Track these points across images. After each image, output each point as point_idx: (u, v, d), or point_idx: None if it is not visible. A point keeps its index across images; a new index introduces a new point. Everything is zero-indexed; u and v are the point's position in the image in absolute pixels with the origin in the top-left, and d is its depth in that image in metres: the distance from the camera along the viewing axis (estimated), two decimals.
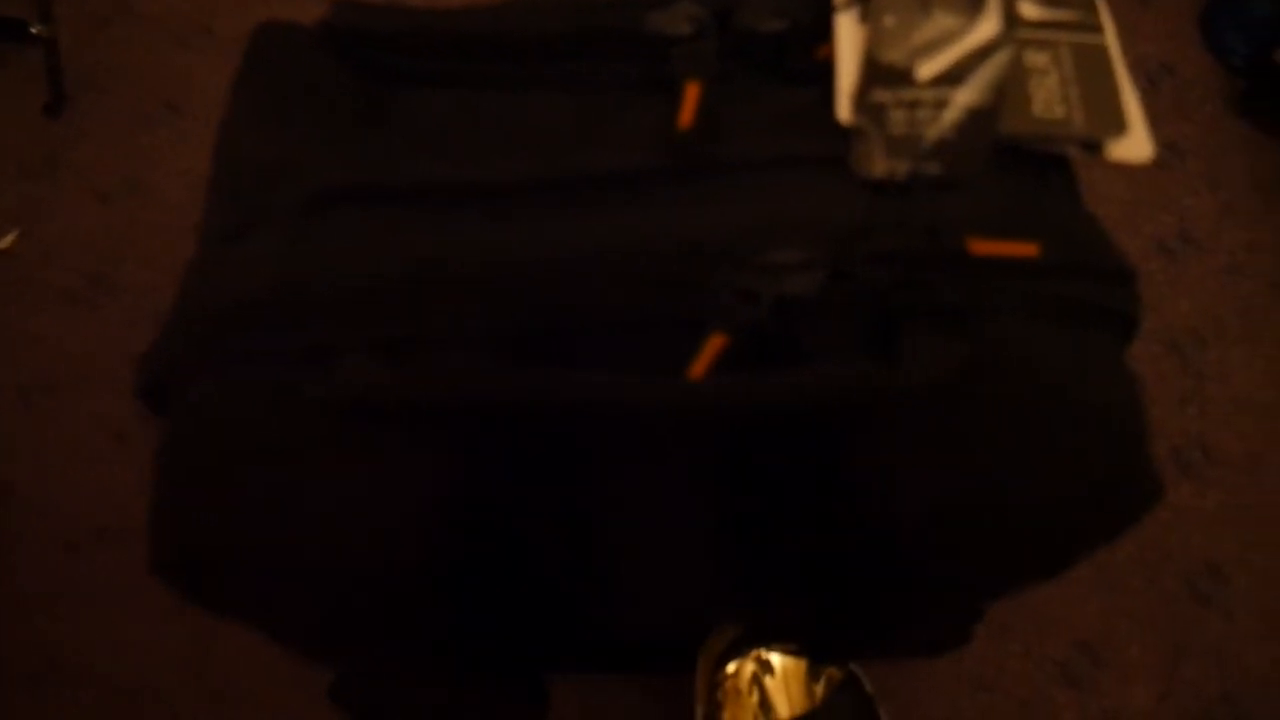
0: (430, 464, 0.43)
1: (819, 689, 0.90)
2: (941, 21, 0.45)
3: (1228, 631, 1.04)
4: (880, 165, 0.43)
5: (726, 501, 0.45)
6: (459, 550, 0.45)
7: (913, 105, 0.43)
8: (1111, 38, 0.47)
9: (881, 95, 0.44)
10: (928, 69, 0.44)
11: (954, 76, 0.44)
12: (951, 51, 0.45)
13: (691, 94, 0.46)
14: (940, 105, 0.44)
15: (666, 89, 0.48)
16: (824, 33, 0.48)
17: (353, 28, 0.51)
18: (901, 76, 0.44)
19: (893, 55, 0.44)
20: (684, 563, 0.47)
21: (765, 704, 0.85)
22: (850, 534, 0.45)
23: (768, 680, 0.90)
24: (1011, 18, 0.45)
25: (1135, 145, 0.46)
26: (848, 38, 0.47)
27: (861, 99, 0.44)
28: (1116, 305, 0.45)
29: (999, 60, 0.44)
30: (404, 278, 0.44)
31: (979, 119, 0.43)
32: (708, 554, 0.46)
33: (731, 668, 0.91)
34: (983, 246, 0.42)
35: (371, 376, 0.41)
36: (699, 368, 0.42)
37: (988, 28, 0.45)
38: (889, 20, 0.46)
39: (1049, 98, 0.46)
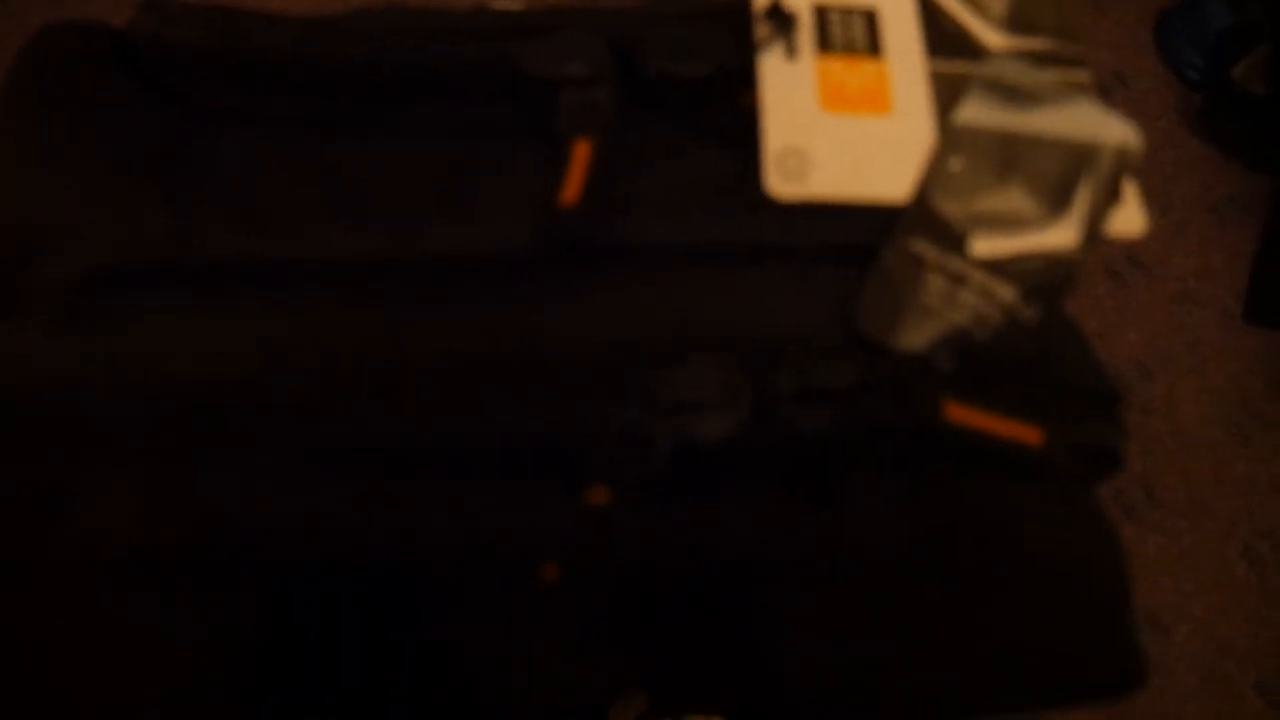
0: (221, 623, 0.33)
1: None
2: (1017, 198, 0.36)
3: (1165, 687, 0.98)
4: (890, 327, 0.34)
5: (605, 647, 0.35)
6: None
7: (957, 280, 0.34)
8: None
9: (925, 250, 0.35)
10: (985, 246, 0.35)
11: (1009, 270, 0.35)
12: (1018, 240, 0.35)
13: (579, 158, 0.36)
14: (985, 294, 0.34)
15: (556, 139, 0.37)
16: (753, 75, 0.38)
17: (158, 39, 0.39)
18: (954, 240, 0.35)
19: (951, 209, 0.35)
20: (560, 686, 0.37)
21: None
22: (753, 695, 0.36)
23: None
24: (1092, 237, 0.36)
25: (1128, 218, 0.37)
26: (775, 84, 0.37)
27: (899, 242, 0.34)
28: (1103, 444, 0.36)
29: (1062, 275, 0.35)
30: (199, 386, 0.33)
31: (1014, 330, 0.34)
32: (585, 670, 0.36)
33: None
34: (966, 417, 0.33)
35: (129, 525, 0.30)
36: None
37: (1067, 234, 0.36)
38: (956, 163, 0.36)
39: None
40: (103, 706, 0.33)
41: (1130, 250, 1.17)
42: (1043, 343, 0.36)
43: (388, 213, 0.37)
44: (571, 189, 0.36)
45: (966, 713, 0.39)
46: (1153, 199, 1.17)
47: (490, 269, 0.36)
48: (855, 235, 0.37)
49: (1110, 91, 1.19)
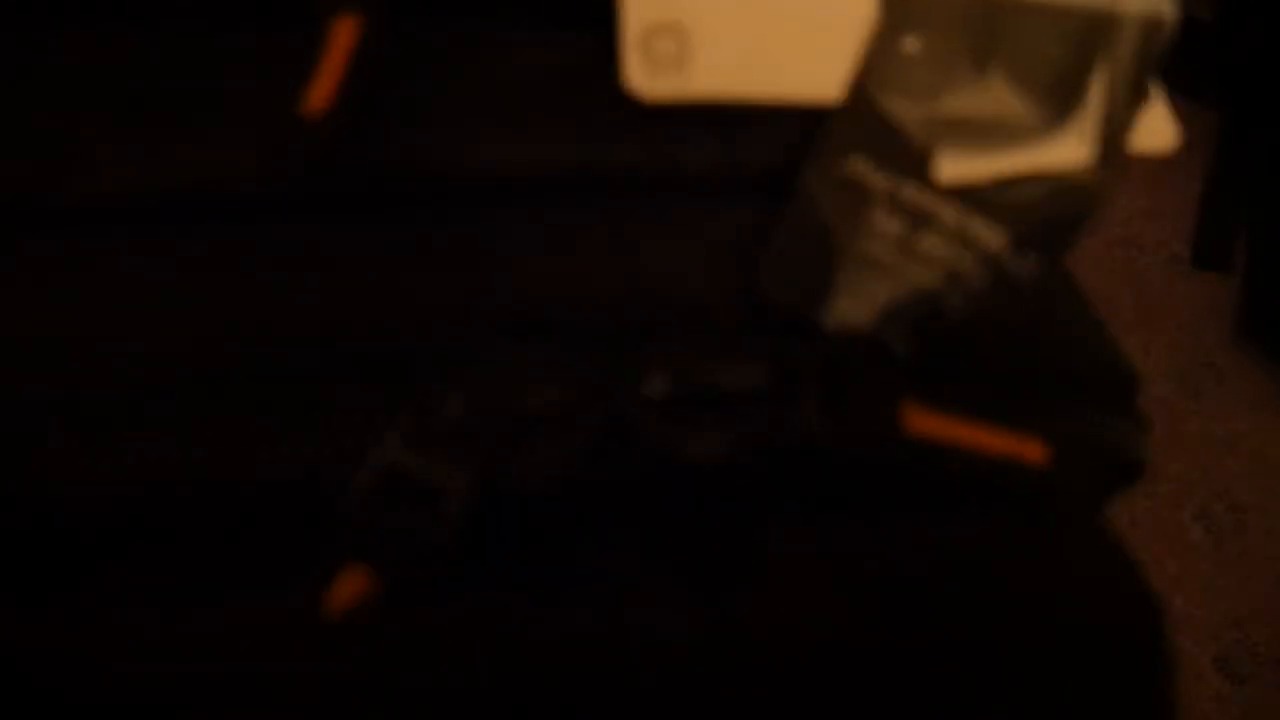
0: None
1: None
2: (1002, 95, 0.23)
3: None
4: (813, 291, 0.21)
5: None
6: None
7: (917, 218, 0.21)
8: None
9: (867, 174, 0.22)
10: (957, 166, 0.22)
11: (993, 203, 0.22)
12: (1003, 157, 0.22)
13: (338, 45, 0.23)
14: (958, 241, 0.22)
15: (309, 21, 0.24)
16: None
17: None
18: (911, 158, 0.22)
19: (906, 112, 0.22)
20: None
21: None
22: None
23: None
24: (1114, 153, 0.23)
25: (1156, 128, 0.25)
26: None
27: (828, 163, 0.22)
28: (1127, 453, 0.25)
29: (1071, 210, 0.22)
30: None
31: (1004, 292, 0.22)
32: None
33: None
34: (934, 427, 0.21)
35: None
36: (335, 605, 0.20)
37: (1075, 148, 0.23)
38: (911, 42, 0.23)
39: None
40: None
41: None
42: (1043, 312, 0.24)
43: (41, 129, 0.24)
44: (322, 89, 0.23)
45: None
46: None
47: (193, 212, 0.23)
48: (762, 157, 0.24)
49: None
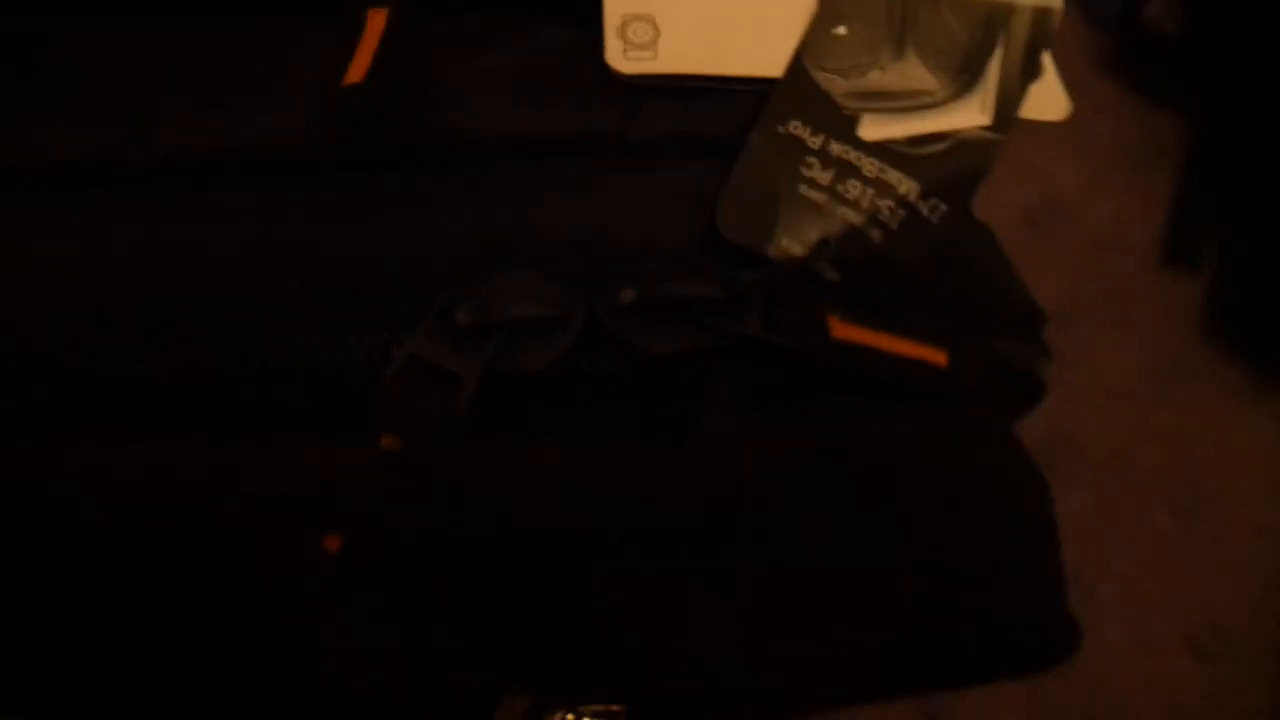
0: None
1: None
2: (914, 72, 0.28)
3: (1092, 648, 0.94)
4: (758, 228, 0.27)
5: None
6: None
7: (844, 169, 0.26)
8: None
9: (803, 133, 0.27)
10: (878, 128, 0.27)
11: (905, 158, 0.28)
12: (916, 121, 0.28)
13: (372, 29, 0.28)
14: (878, 188, 0.27)
15: (348, 10, 0.30)
16: None
17: None
18: (839, 121, 0.27)
19: (836, 85, 0.27)
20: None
21: None
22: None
23: None
24: (1007, 118, 0.29)
25: (1048, 98, 0.31)
26: None
27: (768, 124, 0.27)
28: (1023, 367, 0.30)
29: (972, 163, 0.28)
30: None
31: (916, 230, 0.27)
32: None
33: None
34: (855, 335, 0.26)
35: None
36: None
37: (975, 113, 0.28)
38: (842, 29, 0.29)
39: None
40: None
41: (1048, 197, 1.12)
42: (950, 246, 0.29)
43: (120, 100, 0.29)
44: (359, 66, 0.28)
45: (869, 692, 0.33)
46: (1068, 144, 1.12)
47: (254, 168, 0.28)
48: (718, 122, 0.30)
49: None
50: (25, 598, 0.24)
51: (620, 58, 0.29)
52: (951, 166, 0.29)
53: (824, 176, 0.28)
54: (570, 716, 0.74)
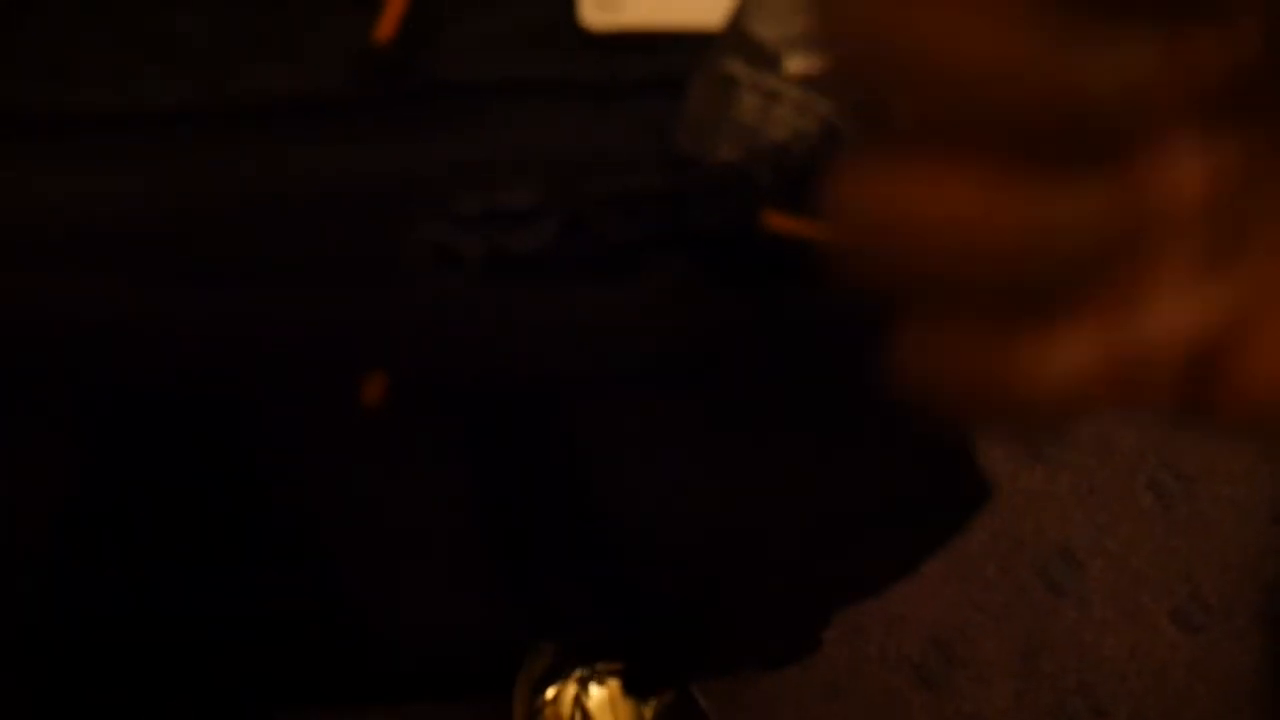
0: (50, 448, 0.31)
1: (648, 710, 0.81)
2: None
3: (1082, 620, 0.99)
4: (705, 144, 0.34)
5: (466, 498, 0.34)
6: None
7: (771, 96, 0.33)
8: None
9: (737, 69, 0.34)
10: (799, 64, 0.34)
11: (826, 86, 0.35)
12: None
13: None
14: (801, 110, 0.34)
15: None
16: None
17: None
18: (767, 60, 0.35)
19: (764, 31, 0.35)
20: (432, 569, 0.36)
21: None
22: (601, 536, 0.35)
23: (592, 704, 0.81)
24: None
25: None
26: None
27: (711, 64, 0.34)
28: None
29: None
30: (34, 228, 0.32)
31: (836, 141, 0.34)
32: (458, 559, 0.35)
33: (551, 692, 0.81)
34: (785, 225, 0.32)
35: None
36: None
37: None
38: None
39: None
40: None
41: None
42: None
43: (198, 63, 0.36)
44: (386, 27, 0.35)
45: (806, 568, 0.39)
46: None
47: (308, 109, 0.35)
48: (672, 62, 0.37)
49: None
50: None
51: (593, 13, 0.36)
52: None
53: (754, 102, 0.35)
54: (580, 672, 0.82)
